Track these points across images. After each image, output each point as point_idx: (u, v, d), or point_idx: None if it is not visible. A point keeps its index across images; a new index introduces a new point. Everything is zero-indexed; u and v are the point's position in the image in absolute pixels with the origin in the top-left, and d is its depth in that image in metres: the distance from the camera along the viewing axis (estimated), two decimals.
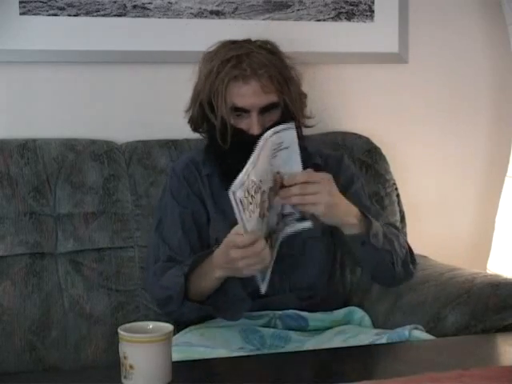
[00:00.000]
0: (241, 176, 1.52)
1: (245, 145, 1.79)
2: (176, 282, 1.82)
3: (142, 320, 2.05)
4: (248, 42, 1.96)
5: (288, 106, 1.92)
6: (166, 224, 1.98)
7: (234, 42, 1.96)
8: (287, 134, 1.67)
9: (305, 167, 1.87)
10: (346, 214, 1.78)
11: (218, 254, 1.73)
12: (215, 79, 1.90)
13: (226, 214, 1.87)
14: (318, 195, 1.70)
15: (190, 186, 1.99)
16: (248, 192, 1.54)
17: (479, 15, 2.66)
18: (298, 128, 1.91)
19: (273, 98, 1.90)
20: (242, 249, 1.62)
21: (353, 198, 1.93)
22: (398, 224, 2.33)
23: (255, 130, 1.87)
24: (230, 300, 1.83)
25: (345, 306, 2.05)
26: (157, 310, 2.11)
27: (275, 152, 1.66)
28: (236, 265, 1.66)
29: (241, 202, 1.52)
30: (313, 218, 1.72)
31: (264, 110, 1.89)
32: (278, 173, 1.67)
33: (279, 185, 1.67)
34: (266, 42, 1.98)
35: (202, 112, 1.96)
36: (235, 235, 1.64)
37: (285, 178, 1.68)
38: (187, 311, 1.85)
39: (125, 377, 1.43)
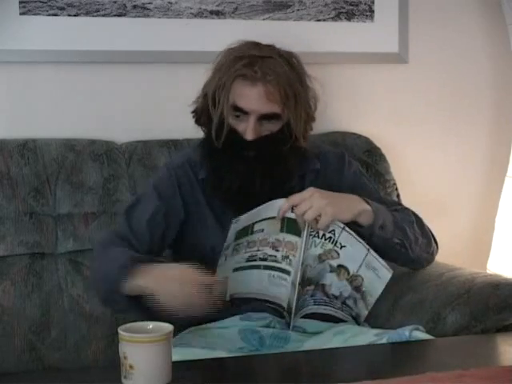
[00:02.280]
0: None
1: (235, 147, 1.85)
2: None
3: (142, 320, 2.05)
4: (270, 46, 1.92)
5: (290, 123, 1.89)
6: (137, 210, 1.92)
7: (257, 44, 1.93)
8: (385, 274, 1.85)
9: (303, 173, 1.99)
10: (353, 203, 1.82)
11: (160, 273, 1.66)
12: (224, 74, 1.87)
13: (224, 224, 1.89)
14: (315, 207, 1.76)
15: (180, 186, 1.94)
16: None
17: (479, 14, 2.66)
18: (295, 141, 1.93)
19: (275, 108, 1.86)
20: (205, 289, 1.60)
21: (364, 193, 1.95)
22: None
23: (249, 136, 1.85)
24: None
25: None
26: None
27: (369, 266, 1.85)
28: (189, 300, 1.61)
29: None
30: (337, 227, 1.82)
31: (263, 117, 1.86)
32: (359, 275, 1.85)
33: (355, 284, 1.85)
34: (290, 54, 1.93)
35: (206, 104, 1.93)
36: (205, 276, 1.62)
37: (363, 289, 1.86)
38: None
39: (125, 377, 1.43)
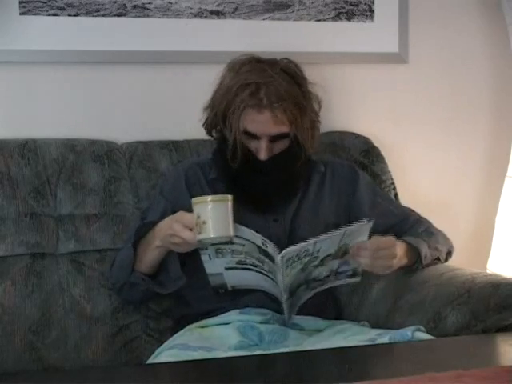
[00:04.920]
0: (297, 247, 1.77)
1: (251, 167, 1.96)
2: (127, 253, 1.93)
3: (142, 321, 2.06)
4: (272, 63, 1.99)
5: (297, 137, 1.98)
6: (150, 211, 2.05)
7: (259, 61, 1.99)
8: (365, 228, 1.83)
9: (308, 175, 2.07)
10: (401, 262, 1.94)
11: (162, 225, 1.88)
12: (232, 101, 1.95)
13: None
14: (388, 260, 1.87)
15: (189, 186, 2.02)
16: (298, 256, 1.79)
17: (479, 15, 2.66)
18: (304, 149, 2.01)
19: (284, 128, 1.95)
20: (182, 227, 1.79)
21: (384, 211, 2.09)
22: None
23: (262, 156, 1.96)
24: (170, 277, 1.95)
25: (337, 317, 2.07)
26: (156, 309, 2.12)
27: (351, 234, 1.83)
28: (172, 239, 1.82)
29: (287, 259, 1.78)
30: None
31: (274, 138, 1.96)
32: (343, 244, 1.83)
33: (342, 252, 1.85)
34: (289, 65, 2.00)
35: (217, 121, 2.01)
36: (186, 214, 1.80)
37: (350, 246, 1.84)
38: (134, 281, 1.95)
39: (199, 232, 1.74)
